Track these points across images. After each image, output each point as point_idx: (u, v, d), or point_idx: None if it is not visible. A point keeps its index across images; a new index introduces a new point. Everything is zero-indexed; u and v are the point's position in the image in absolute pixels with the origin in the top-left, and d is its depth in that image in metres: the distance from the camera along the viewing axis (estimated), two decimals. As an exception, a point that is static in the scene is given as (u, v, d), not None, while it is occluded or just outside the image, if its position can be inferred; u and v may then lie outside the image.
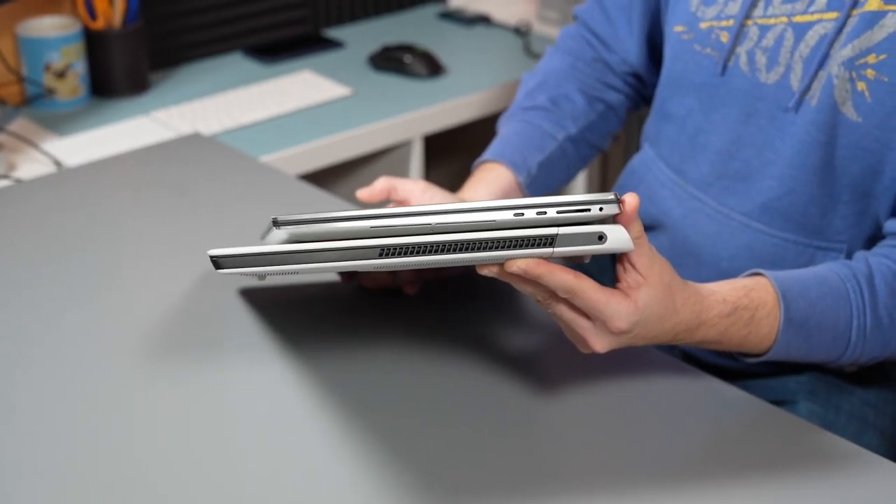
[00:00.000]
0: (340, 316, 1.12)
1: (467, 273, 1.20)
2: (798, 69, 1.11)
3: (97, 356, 1.05)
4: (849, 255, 1.14)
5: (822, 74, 1.09)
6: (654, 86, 1.37)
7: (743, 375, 1.20)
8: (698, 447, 0.97)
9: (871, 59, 1.05)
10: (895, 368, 1.19)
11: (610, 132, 1.41)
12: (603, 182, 2.51)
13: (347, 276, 1.16)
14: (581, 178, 2.33)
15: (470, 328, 1.11)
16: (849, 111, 1.08)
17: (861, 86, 1.06)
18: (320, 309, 1.14)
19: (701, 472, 0.94)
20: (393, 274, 1.13)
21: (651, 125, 1.32)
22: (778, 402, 1.15)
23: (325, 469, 0.92)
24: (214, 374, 1.03)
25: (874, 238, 1.13)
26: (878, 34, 1.05)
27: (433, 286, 1.17)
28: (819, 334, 1.03)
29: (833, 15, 1.08)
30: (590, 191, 2.44)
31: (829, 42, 1.08)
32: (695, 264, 1.22)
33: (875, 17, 1.05)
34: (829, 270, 1.05)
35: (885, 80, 1.05)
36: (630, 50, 1.35)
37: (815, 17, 1.09)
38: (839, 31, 1.07)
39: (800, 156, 1.12)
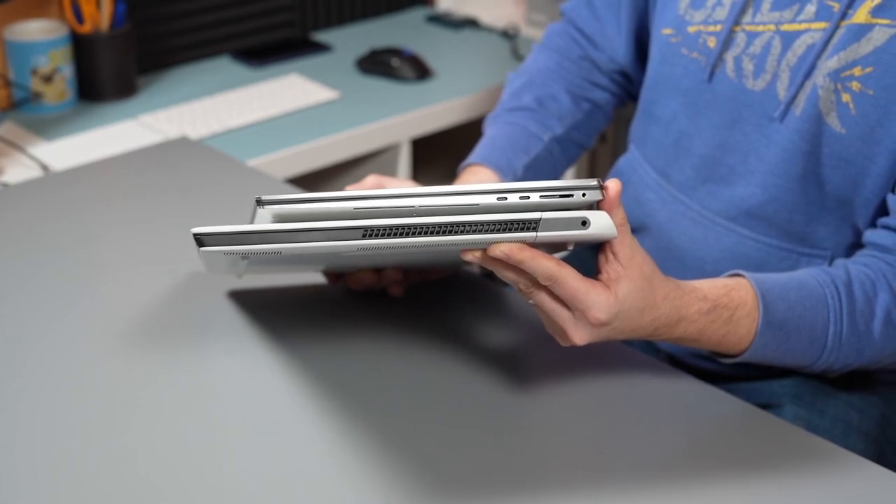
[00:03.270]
0: (327, 316, 1.13)
1: (452, 274, 1.20)
2: (785, 78, 1.11)
3: (86, 358, 1.05)
4: (832, 263, 1.14)
5: (808, 84, 1.09)
6: (641, 83, 1.37)
7: (728, 379, 1.20)
8: (682, 448, 0.98)
9: (857, 71, 1.05)
10: (879, 372, 1.20)
11: (597, 130, 1.40)
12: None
13: (334, 277, 1.16)
14: (569, 177, 2.33)
15: (455, 329, 1.12)
16: (833, 122, 1.08)
17: (846, 97, 1.06)
18: (307, 310, 1.14)
19: (685, 473, 0.94)
20: (378, 274, 1.13)
21: (637, 126, 1.32)
22: (763, 406, 1.16)
23: (312, 464, 0.93)
24: (204, 373, 1.03)
25: (857, 246, 1.13)
26: (865, 47, 1.05)
27: (418, 287, 1.17)
28: (796, 338, 1.03)
29: (821, 25, 1.08)
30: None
31: (817, 52, 1.07)
32: (679, 267, 1.22)
33: (862, 30, 1.05)
34: (808, 276, 1.05)
35: (870, 93, 1.05)
36: (618, 48, 1.34)
37: (804, 26, 1.09)
38: (827, 42, 1.07)
39: (783, 164, 1.12)
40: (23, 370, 1.04)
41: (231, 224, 0.85)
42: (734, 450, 0.97)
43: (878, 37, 1.04)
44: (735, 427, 1.01)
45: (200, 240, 0.88)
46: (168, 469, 0.92)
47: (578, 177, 2.46)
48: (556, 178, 1.38)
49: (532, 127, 1.33)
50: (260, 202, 0.85)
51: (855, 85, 1.05)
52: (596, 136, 1.41)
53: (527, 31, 2.40)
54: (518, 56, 2.24)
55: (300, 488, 0.91)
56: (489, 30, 2.39)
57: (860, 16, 1.05)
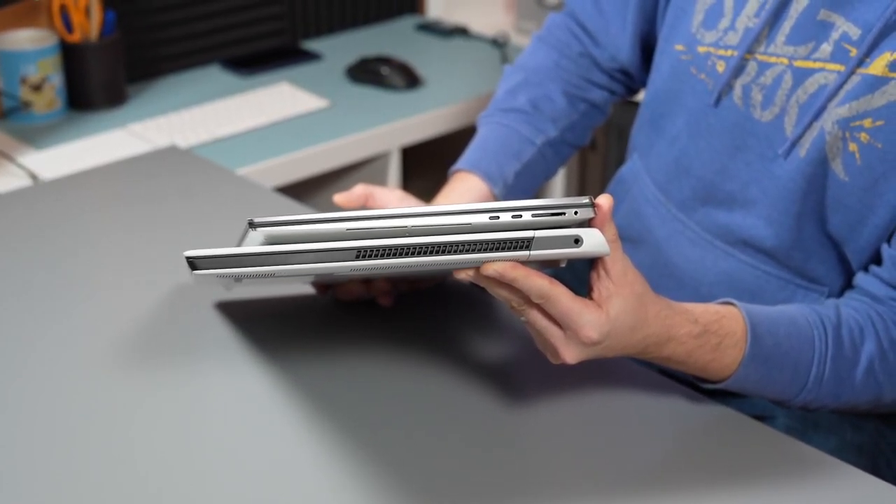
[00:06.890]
0: (316, 327, 1.12)
1: (441, 284, 1.20)
2: (793, 114, 1.09)
3: (74, 367, 1.05)
4: (825, 299, 1.13)
5: (816, 126, 1.07)
6: (642, 81, 1.35)
7: (721, 391, 1.20)
8: (676, 458, 0.98)
9: (868, 123, 1.04)
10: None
11: (592, 128, 1.39)
12: (581, 189, 2.51)
13: (322, 287, 1.16)
14: (559, 187, 2.33)
15: (444, 339, 1.11)
16: (837, 168, 1.06)
17: (853, 147, 1.05)
18: (296, 320, 1.13)
19: (679, 482, 0.94)
20: (367, 285, 1.13)
21: (641, 136, 1.30)
22: (757, 418, 1.15)
23: (302, 474, 0.92)
24: (193, 383, 1.03)
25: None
26: (879, 100, 1.03)
27: (407, 297, 1.17)
28: (778, 374, 1.02)
29: (836, 67, 1.06)
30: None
31: (828, 96, 1.06)
32: (675, 286, 1.21)
33: (878, 82, 1.03)
34: (799, 313, 1.04)
35: (879, 146, 1.03)
36: (621, 47, 1.32)
37: (818, 65, 1.07)
38: (839, 87, 1.05)
39: (784, 202, 1.11)
40: (12, 378, 1.03)
41: (221, 239, 0.85)
42: (728, 460, 0.97)
43: (893, 91, 1.02)
44: (729, 437, 1.01)
45: (193, 263, 0.87)
46: (161, 473, 0.92)
47: (568, 188, 2.45)
48: (549, 177, 1.37)
49: (525, 131, 1.32)
50: (252, 224, 0.85)
51: (863, 136, 1.04)
52: (591, 133, 1.39)
53: (517, 40, 2.40)
54: (508, 64, 2.23)
55: (291, 498, 0.90)
56: (479, 38, 2.39)
57: (877, 67, 1.03)
